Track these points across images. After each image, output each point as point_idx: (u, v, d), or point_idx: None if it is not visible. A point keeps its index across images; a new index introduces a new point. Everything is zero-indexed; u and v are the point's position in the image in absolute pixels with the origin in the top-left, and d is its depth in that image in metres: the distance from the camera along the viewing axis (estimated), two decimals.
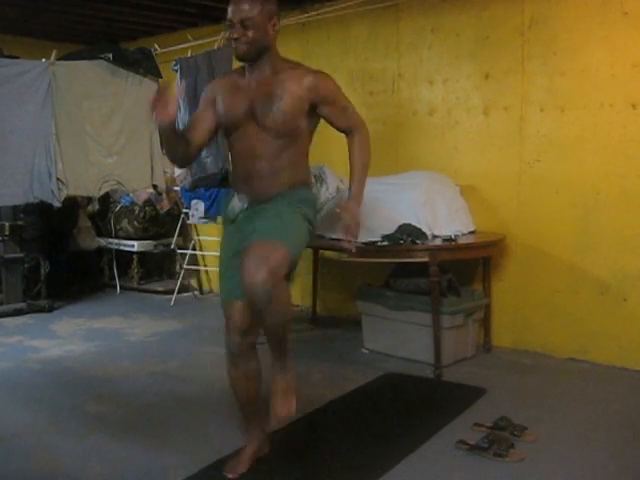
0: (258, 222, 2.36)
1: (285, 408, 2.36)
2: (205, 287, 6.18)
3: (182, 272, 5.84)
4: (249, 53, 2.39)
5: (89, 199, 5.91)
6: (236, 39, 2.36)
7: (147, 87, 4.85)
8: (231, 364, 2.54)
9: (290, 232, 2.32)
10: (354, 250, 2.42)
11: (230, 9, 2.36)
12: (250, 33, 2.35)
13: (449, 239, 3.80)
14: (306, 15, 4.74)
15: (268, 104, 2.38)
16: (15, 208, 5.28)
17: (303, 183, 2.51)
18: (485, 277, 4.15)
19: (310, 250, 4.61)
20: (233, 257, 2.42)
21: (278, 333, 2.30)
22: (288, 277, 2.29)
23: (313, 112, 2.45)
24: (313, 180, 2.58)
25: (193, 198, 5.53)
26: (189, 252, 5.89)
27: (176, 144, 2.46)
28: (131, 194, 5.79)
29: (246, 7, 2.33)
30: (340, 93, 2.49)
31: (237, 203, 2.49)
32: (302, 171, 2.51)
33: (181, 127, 4.88)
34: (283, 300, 2.21)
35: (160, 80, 2.20)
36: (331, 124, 2.51)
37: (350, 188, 2.49)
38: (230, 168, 2.56)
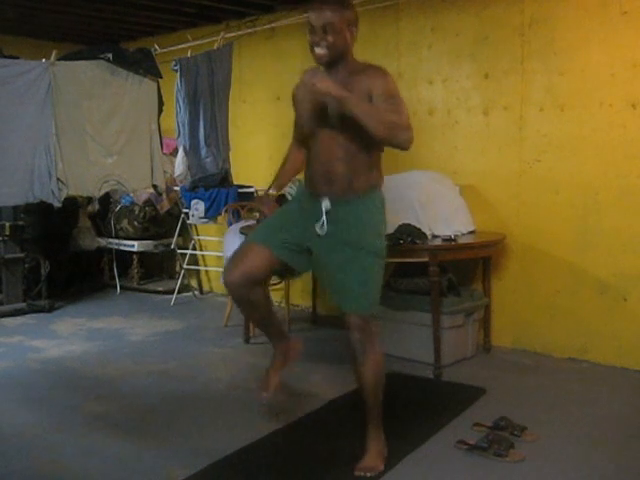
0: (345, 271, 2.52)
1: (375, 463, 2.60)
2: (205, 287, 6.19)
3: (182, 272, 5.84)
4: (327, 57, 2.49)
5: (89, 199, 5.92)
6: (316, 43, 2.47)
7: (147, 87, 4.86)
8: (234, 300, 2.72)
9: (373, 297, 2.56)
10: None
11: (312, 14, 2.49)
12: (330, 38, 2.45)
13: (449, 239, 3.80)
14: (306, 15, 4.73)
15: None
16: (15, 208, 5.28)
17: (375, 185, 2.58)
18: (485, 277, 4.15)
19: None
20: (278, 227, 2.64)
21: (370, 391, 2.59)
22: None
23: None
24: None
25: (193, 198, 5.54)
26: (189, 252, 5.89)
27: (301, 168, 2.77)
28: (131, 194, 5.80)
29: (328, 13, 2.44)
30: (397, 96, 2.48)
31: (324, 204, 2.55)
32: (373, 174, 2.56)
33: (181, 127, 4.95)
34: (377, 359, 2.57)
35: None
36: None
37: None
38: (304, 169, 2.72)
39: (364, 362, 2.55)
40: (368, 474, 2.56)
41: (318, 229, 2.55)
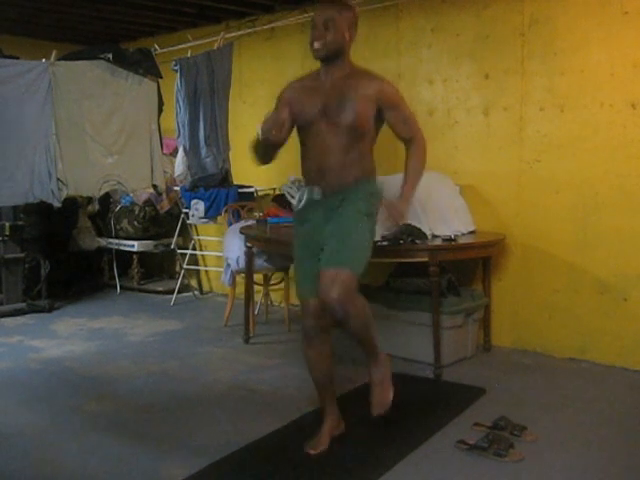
0: (329, 239, 2.64)
1: (382, 396, 2.76)
2: (205, 287, 6.19)
3: (182, 272, 5.84)
4: (326, 52, 2.65)
5: (89, 199, 5.92)
6: (316, 38, 2.64)
7: (147, 87, 4.86)
8: (306, 345, 2.79)
9: (354, 253, 2.62)
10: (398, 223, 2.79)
11: (315, 12, 2.70)
12: (330, 35, 2.62)
13: (449, 239, 3.80)
14: (306, 15, 4.74)
15: (341, 104, 2.64)
16: (15, 208, 5.29)
17: (369, 175, 2.75)
18: (485, 277, 4.15)
19: None
20: (306, 256, 2.75)
21: (360, 336, 2.68)
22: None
23: (378, 115, 2.71)
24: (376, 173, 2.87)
25: (193, 198, 5.54)
26: (189, 252, 5.90)
27: (271, 152, 2.72)
28: (131, 194, 5.80)
29: (330, 11, 2.64)
30: (403, 103, 2.77)
31: (313, 193, 2.73)
32: (368, 164, 2.75)
33: (181, 127, 4.95)
34: (357, 311, 2.57)
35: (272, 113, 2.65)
36: (393, 130, 2.78)
37: (402, 188, 2.76)
38: (301, 163, 2.85)
39: (347, 318, 2.55)
40: (382, 411, 2.73)
41: (311, 217, 2.74)
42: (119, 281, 6.13)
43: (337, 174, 2.66)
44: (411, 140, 2.78)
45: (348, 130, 2.63)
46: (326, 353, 2.80)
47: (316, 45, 2.64)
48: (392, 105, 2.71)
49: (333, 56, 2.67)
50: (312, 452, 2.70)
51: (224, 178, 5.06)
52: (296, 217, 2.88)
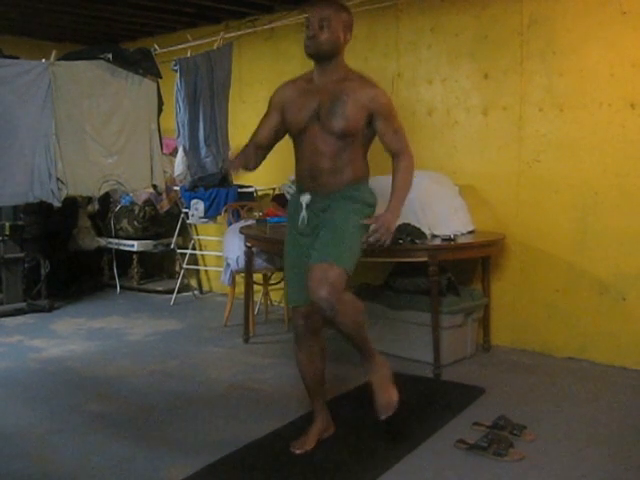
0: (320, 235, 2.61)
1: (386, 399, 2.65)
2: (205, 287, 6.19)
3: (182, 272, 5.85)
4: (319, 51, 2.59)
5: (89, 199, 5.93)
6: (310, 37, 2.57)
7: (147, 87, 4.86)
8: (297, 346, 2.79)
9: (345, 249, 2.56)
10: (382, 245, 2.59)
11: (310, 9, 2.64)
12: (324, 34, 2.56)
13: (448, 239, 3.81)
14: (306, 15, 4.74)
15: (333, 108, 2.60)
16: (15, 208, 5.29)
17: (361, 180, 2.70)
18: (484, 277, 4.16)
19: None
20: (297, 262, 2.71)
21: (351, 335, 2.58)
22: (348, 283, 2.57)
23: (369, 123, 2.64)
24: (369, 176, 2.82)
25: (193, 198, 5.54)
26: (189, 252, 5.90)
27: (253, 160, 2.73)
28: (131, 194, 5.80)
29: (325, 9, 2.59)
30: (394, 114, 2.69)
31: (303, 198, 2.69)
32: (360, 169, 2.70)
33: (180, 127, 4.96)
34: (346, 309, 2.50)
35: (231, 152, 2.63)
36: (382, 141, 2.70)
37: (389, 202, 2.65)
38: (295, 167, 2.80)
39: (335, 316, 2.47)
40: (390, 412, 2.63)
41: (299, 223, 2.68)
42: (119, 281, 6.13)
43: (328, 178, 2.62)
44: (399, 154, 2.68)
45: (339, 135, 2.58)
46: (316, 355, 2.79)
47: (307, 43, 2.58)
48: (384, 114, 2.62)
49: (326, 57, 2.60)
50: (297, 451, 2.71)
51: (224, 178, 5.06)
52: (287, 224, 2.86)
